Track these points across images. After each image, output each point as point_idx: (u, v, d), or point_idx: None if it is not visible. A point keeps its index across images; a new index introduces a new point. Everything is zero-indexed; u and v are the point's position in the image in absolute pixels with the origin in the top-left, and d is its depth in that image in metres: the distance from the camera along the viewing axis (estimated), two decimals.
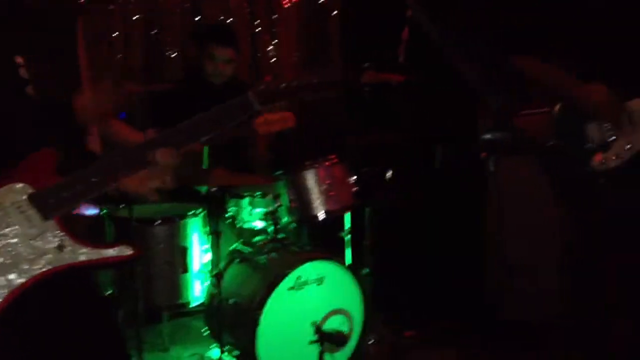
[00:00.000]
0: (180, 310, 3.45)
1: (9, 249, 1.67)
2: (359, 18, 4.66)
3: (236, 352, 3.19)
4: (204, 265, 3.37)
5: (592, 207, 2.65)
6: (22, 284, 1.66)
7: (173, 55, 4.50)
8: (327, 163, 3.33)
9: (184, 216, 3.31)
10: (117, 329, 2.32)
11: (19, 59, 1.77)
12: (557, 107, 2.74)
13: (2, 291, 1.65)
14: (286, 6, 4.76)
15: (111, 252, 1.75)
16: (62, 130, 1.83)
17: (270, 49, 4.71)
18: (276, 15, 4.75)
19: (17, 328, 1.72)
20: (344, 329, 3.18)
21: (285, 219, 3.40)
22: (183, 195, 3.47)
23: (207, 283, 3.36)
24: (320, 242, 3.67)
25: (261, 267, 3.23)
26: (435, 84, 3.95)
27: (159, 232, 3.26)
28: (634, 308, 2.62)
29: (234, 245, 3.50)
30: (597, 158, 2.59)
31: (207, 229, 3.36)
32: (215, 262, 3.31)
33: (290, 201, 3.33)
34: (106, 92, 1.91)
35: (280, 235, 3.40)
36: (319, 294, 3.16)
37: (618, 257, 2.61)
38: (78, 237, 1.73)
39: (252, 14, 4.70)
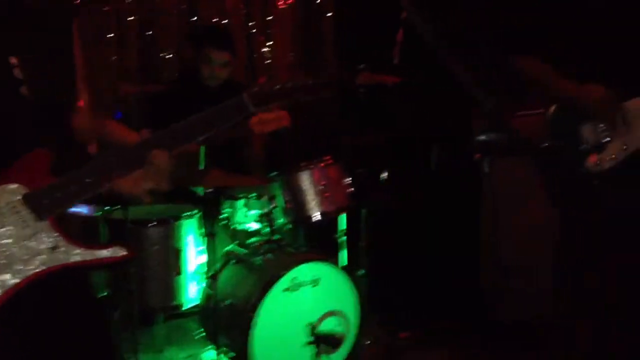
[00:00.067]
0: (175, 311, 3.43)
1: (3, 249, 1.67)
2: (354, 19, 4.67)
3: (231, 354, 3.19)
4: (199, 266, 3.37)
5: (586, 208, 2.66)
6: (16, 285, 1.66)
7: (168, 57, 4.49)
8: (322, 164, 3.34)
9: (178, 218, 3.30)
10: (108, 331, 2.31)
11: (13, 60, 1.77)
12: (552, 108, 2.74)
13: None
14: (281, 7, 4.77)
15: (105, 252, 1.75)
16: (57, 130, 1.83)
17: (266, 50, 4.71)
18: (271, 17, 4.75)
19: (11, 328, 1.72)
20: (339, 330, 3.18)
21: (280, 220, 3.40)
22: (178, 197, 3.47)
23: (202, 284, 3.35)
24: (315, 244, 3.67)
25: (256, 269, 3.23)
26: (429, 85, 3.96)
27: (154, 233, 3.25)
28: (629, 308, 2.63)
29: (229, 247, 3.49)
30: (592, 159, 2.59)
31: (202, 230, 3.36)
32: (210, 263, 3.30)
33: (286, 202, 3.33)
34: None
35: (275, 237, 3.40)
36: (314, 296, 3.16)
37: (613, 257, 2.62)
38: (72, 238, 1.73)
39: (248, 15, 4.70)
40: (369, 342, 3.50)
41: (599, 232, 2.63)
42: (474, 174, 3.88)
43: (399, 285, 4.02)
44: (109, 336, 2.05)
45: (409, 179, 4.14)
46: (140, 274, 3.19)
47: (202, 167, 3.34)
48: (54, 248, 1.70)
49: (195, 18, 4.55)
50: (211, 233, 3.28)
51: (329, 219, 3.44)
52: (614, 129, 2.58)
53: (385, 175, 3.63)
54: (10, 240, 1.68)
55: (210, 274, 3.29)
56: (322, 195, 3.30)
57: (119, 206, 3.15)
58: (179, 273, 3.28)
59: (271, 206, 3.37)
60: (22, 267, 1.67)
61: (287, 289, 3.08)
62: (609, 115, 2.57)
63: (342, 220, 3.62)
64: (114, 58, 4.34)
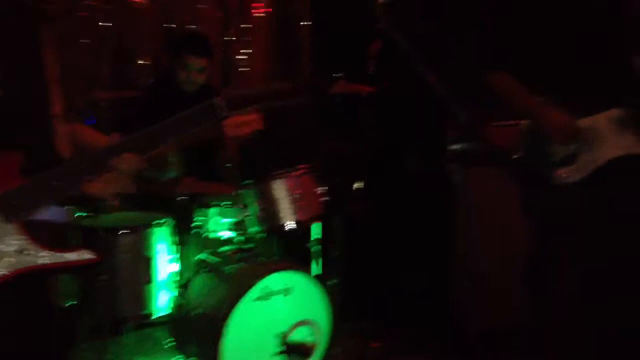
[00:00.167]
0: (145, 320, 3.39)
1: None
2: (330, 28, 4.68)
3: None
4: (170, 275, 3.33)
5: (557, 219, 2.69)
6: None
7: (143, 63, 4.47)
8: (296, 173, 3.33)
9: (149, 225, 3.26)
10: (63, 341, 2.30)
11: None
12: (526, 121, 2.78)
13: None
14: (258, 15, 4.77)
15: (72, 256, 1.75)
16: (28, 132, 1.82)
17: (242, 57, 4.70)
18: (248, 24, 4.75)
19: None
20: (310, 340, 3.16)
21: (253, 229, 3.38)
22: (151, 204, 3.44)
23: (173, 293, 3.31)
24: (288, 253, 3.65)
25: (228, 277, 3.20)
26: (404, 95, 3.98)
27: (124, 241, 3.20)
28: (599, 316, 2.66)
29: (201, 255, 3.46)
30: (561, 172, 2.64)
31: (174, 238, 3.33)
32: (181, 272, 3.27)
33: (259, 211, 3.31)
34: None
35: (248, 245, 3.38)
36: (285, 305, 3.14)
37: (583, 266, 2.65)
38: (39, 241, 1.72)
39: (224, 22, 4.69)
40: (340, 351, 3.48)
41: (570, 242, 2.67)
42: (448, 183, 3.90)
43: (371, 293, 4.02)
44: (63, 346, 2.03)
45: (383, 188, 4.14)
46: (109, 282, 3.14)
47: (176, 174, 3.32)
48: (20, 251, 1.69)
49: (171, 25, 4.52)
50: (183, 241, 3.25)
51: (303, 228, 3.42)
52: (583, 143, 2.62)
53: (359, 184, 3.63)
54: None
55: (181, 282, 3.25)
56: (296, 204, 3.29)
57: (89, 212, 3.12)
58: (149, 282, 3.24)
59: (244, 214, 3.35)
60: None
61: (258, 298, 3.06)
62: (563, 140, 2.62)
63: (316, 230, 3.61)
64: (88, 63, 4.31)
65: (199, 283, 3.31)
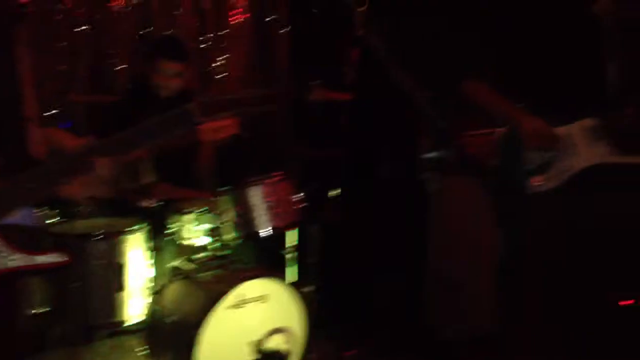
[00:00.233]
0: (117, 328, 3.35)
1: None
2: (308, 36, 4.69)
3: None
4: (143, 282, 3.30)
5: (529, 226, 2.72)
6: None
7: (120, 68, 4.44)
8: (272, 180, 3.32)
9: (122, 232, 3.23)
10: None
11: None
12: (501, 129, 2.81)
13: None
14: (235, 22, 4.76)
15: (44, 258, 1.74)
16: (2, 134, 1.80)
17: (218, 64, 4.69)
18: (225, 30, 4.74)
19: None
20: (285, 348, 3.14)
21: (229, 236, 3.36)
22: (125, 210, 3.41)
23: (147, 300, 3.28)
24: (264, 260, 3.64)
25: (203, 285, 3.18)
26: (381, 103, 4.00)
27: (97, 247, 3.17)
28: (572, 328, 2.69)
29: (175, 262, 3.44)
30: (537, 180, 2.66)
31: (148, 245, 3.30)
32: (155, 279, 3.24)
33: (235, 217, 3.30)
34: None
35: (223, 252, 3.36)
36: (260, 312, 3.12)
37: (557, 276, 2.68)
38: (10, 244, 1.70)
39: (201, 28, 4.68)
40: (315, 358, 3.47)
41: (543, 250, 2.69)
42: (423, 191, 3.92)
43: (347, 301, 4.01)
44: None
45: (359, 195, 4.15)
46: (82, 289, 3.11)
47: (152, 179, 3.30)
48: None
49: (148, 29, 4.50)
50: (157, 248, 3.23)
51: (279, 235, 3.41)
52: (557, 152, 2.65)
53: (335, 191, 3.63)
54: None
55: (155, 289, 3.22)
56: (272, 210, 3.28)
57: (63, 218, 3.08)
58: (122, 289, 3.21)
59: (220, 221, 3.33)
60: None
61: (233, 306, 3.04)
62: (540, 146, 2.65)
63: (293, 236, 3.60)
64: (64, 67, 4.28)
65: (173, 290, 3.28)
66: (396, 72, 3.00)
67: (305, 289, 3.47)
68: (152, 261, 3.26)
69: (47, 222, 3.13)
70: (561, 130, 2.66)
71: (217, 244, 3.35)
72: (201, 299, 3.06)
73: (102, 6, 4.39)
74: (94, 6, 4.36)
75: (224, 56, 4.73)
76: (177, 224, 3.40)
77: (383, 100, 3.97)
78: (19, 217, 1.74)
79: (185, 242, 3.41)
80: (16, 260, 1.70)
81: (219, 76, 4.71)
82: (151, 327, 3.22)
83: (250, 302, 3.09)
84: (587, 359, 2.71)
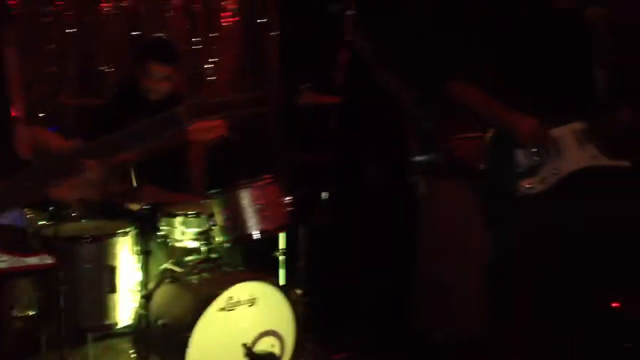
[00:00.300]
0: (107, 331, 3.35)
1: None
2: (298, 39, 4.69)
3: None
4: (133, 285, 3.29)
5: (518, 229, 2.73)
6: None
7: (108, 70, 4.43)
8: (261, 182, 3.32)
9: (112, 235, 3.22)
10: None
11: None
12: (490, 132, 2.81)
13: None
14: (225, 24, 4.76)
15: (32, 260, 1.74)
16: None
17: (209, 66, 4.69)
18: (216, 33, 4.74)
19: None
20: (275, 351, 3.14)
21: (219, 239, 3.35)
22: (114, 213, 3.40)
23: (136, 303, 3.27)
24: (254, 263, 3.64)
25: (192, 288, 3.17)
26: (370, 106, 4.00)
27: (86, 250, 3.16)
28: (560, 331, 2.70)
29: (164, 265, 3.43)
30: (525, 183, 2.67)
31: (137, 248, 3.29)
32: (145, 282, 3.23)
33: (224, 220, 3.29)
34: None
35: (213, 255, 3.35)
36: (250, 316, 3.12)
37: (545, 279, 2.69)
38: None
39: (192, 30, 4.67)
40: None
41: (532, 252, 2.70)
42: (412, 194, 3.93)
43: (337, 304, 4.01)
44: None
45: (348, 198, 4.15)
46: (71, 292, 3.09)
47: (138, 183, 3.29)
48: None
49: (138, 32, 4.49)
50: (146, 251, 3.22)
51: (268, 238, 3.41)
52: (546, 155, 2.66)
53: (325, 194, 3.63)
54: None
55: (144, 292, 3.21)
56: (261, 213, 3.28)
57: (52, 220, 3.07)
58: (112, 291, 3.20)
59: (209, 224, 3.33)
60: None
61: (222, 309, 3.03)
62: (535, 144, 2.66)
63: (282, 239, 3.60)
64: (53, 69, 4.26)
65: (163, 293, 3.28)
66: (382, 74, 3.02)
67: (295, 292, 3.47)
68: (142, 264, 3.25)
69: (37, 224, 3.12)
70: (551, 133, 2.67)
71: (207, 247, 3.35)
72: (191, 302, 3.06)
73: (91, 8, 4.38)
74: (83, 8, 4.35)
75: (214, 59, 4.72)
76: (167, 227, 3.39)
77: (371, 103, 3.97)
78: (8, 218, 1.74)
79: (175, 245, 3.41)
80: (5, 261, 1.70)
81: (209, 78, 4.71)
82: (141, 330, 3.21)
83: (241, 305, 3.09)
84: None
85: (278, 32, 4.87)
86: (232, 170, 3.96)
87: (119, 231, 3.25)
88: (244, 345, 3.06)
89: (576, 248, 2.62)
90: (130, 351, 3.36)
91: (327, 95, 3.39)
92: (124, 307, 3.26)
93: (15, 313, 2.92)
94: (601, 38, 2.75)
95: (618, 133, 2.69)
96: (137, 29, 4.50)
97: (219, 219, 3.30)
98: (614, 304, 2.92)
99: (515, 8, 2.79)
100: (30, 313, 3.12)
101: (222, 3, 4.76)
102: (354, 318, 3.99)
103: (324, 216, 3.65)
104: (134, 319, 3.28)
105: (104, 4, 4.40)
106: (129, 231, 3.29)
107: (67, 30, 4.30)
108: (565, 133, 2.68)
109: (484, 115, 2.79)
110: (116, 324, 3.24)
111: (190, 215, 3.37)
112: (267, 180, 3.33)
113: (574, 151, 2.66)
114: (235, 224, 3.26)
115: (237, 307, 3.08)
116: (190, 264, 3.35)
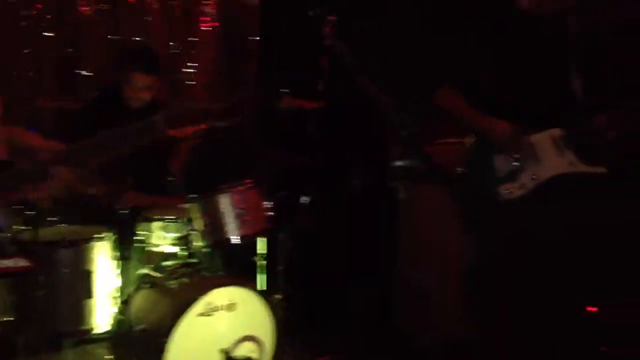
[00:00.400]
0: (84, 336, 3.32)
1: None
2: (278, 44, 4.69)
3: None
4: (111, 290, 3.27)
5: (497, 233, 2.75)
6: None
7: (87, 74, 4.40)
8: (241, 187, 3.31)
9: (90, 239, 3.19)
10: None
11: None
12: (470, 138, 2.84)
13: None
14: (204, 29, 4.75)
15: (7, 262, 1.73)
16: None
17: (187, 71, 4.67)
18: (195, 38, 4.73)
19: None
20: (254, 356, 3.13)
21: (198, 244, 3.34)
22: (92, 218, 3.37)
23: (114, 309, 3.25)
24: (233, 268, 3.63)
25: (171, 292, 3.16)
26: (350, 111, 4.02)
27: (63, 255, 3.13)
28: (542, 334, 2.72)
29: (143, 270, 3.41)
30: (505, 188, 2.70)
31: (115, 252, 3.27)
32: (123, 287, 3.21)
33: (204, 225, 3.28)
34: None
35: (192, 260, 3.34)
36: (229, 321, 3.11)
37: (525, 280, 2.71)
38: None
39: (171, 35, 4.66)
40: None
41: (512, 256, 2.72)
42: (393, 199, 3.95)
43: (317, 308, 4.02)
44: None
45: (329, 203, 4.16)
46: (48, 297, 3.06)
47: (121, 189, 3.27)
48: None
49: (117, 36, 4.47)
50: (125, 255, 3.20)
51: (248, 243, 3.41)
52: (525, 160, 2.69)
53: (305, 199, 3.63)
54: None
55: (122, 297, 3.19)
56: (241, 218, 3.27)
57: (29, 225, 3.04)
58: (89, 296, 3.17)
59: (189, 229, 3.31)
60: None
61: (201, 314, 3.02)
62: (511, 150, 2.68)
63: (262, 244, 3.59)
64: (31, 73, 4.23)
65: (142, 298, 3.26)
66: (361, 79, 3.03)
67: (274, 297, 3.47)
68: (120, 269, 3.23)
69: (13, 228, 3.08)
70: (530, 139, 2.70)
71: (186, 252, 3.33)
72: (169, 306, 3.04)
73: (70, 12, 4.35)
74: (62, 11, 4.32)
75: (193, 63, 4.71)
76: (145, 231, 3.37)
77: (352, 107, 3.99)
78: None
79: (154, 250, 3.39)
80: None
81: (187, 82, 4.69)
82: (119, 336, 3.19)
83: (220, 310, 3.08)
84: None
85: (257, 37, 4.87)
86: (212, 175, 3.95)
87: (97, 236, 3.22)
88: (223, 350, 3.05)
89: (553, 254, 2.65)
90: (107, 357, 3.34)
91: (307, 100, 3.40)
92: (101, 312, 3.24)
93: None
94: (575, 44, 2.78)
95: (595, 140, 2.72)
96: (116, 32, 4.47)
97: (198, 224, 3.29)
98: (590, 309, 2.95)
99: (504, 12, 2.81)
100: (7, 318, 3.09)
101: (202, 7, 4.75)
102: (340, 321, 3.99)
103: (306, 219, 3.65)
104: (113, 324, 3.25)
105: (83, 8, 4.37)
106: (108, 236, 3.27)
107: (45, 34, 4.27)
108: (543, 139, 2.71)
109: (462, 119, 2.83)
110: (94, 329, 3.21)
111: (169, 220, 3.35)
112: (247, 185, 3.33)
113: (552, 157, 2.69)
114: (214, 228, 3.26)
115: (216, 312, 3.07)
116: (169, 268, 3.33)
